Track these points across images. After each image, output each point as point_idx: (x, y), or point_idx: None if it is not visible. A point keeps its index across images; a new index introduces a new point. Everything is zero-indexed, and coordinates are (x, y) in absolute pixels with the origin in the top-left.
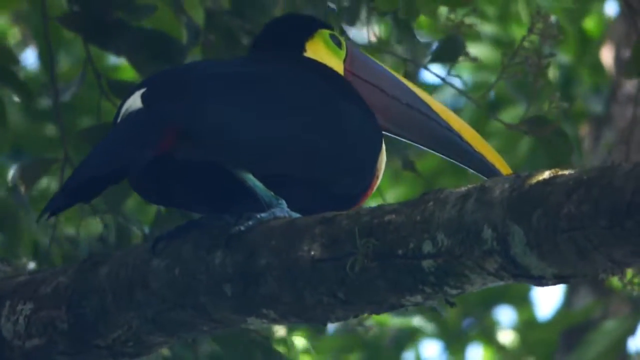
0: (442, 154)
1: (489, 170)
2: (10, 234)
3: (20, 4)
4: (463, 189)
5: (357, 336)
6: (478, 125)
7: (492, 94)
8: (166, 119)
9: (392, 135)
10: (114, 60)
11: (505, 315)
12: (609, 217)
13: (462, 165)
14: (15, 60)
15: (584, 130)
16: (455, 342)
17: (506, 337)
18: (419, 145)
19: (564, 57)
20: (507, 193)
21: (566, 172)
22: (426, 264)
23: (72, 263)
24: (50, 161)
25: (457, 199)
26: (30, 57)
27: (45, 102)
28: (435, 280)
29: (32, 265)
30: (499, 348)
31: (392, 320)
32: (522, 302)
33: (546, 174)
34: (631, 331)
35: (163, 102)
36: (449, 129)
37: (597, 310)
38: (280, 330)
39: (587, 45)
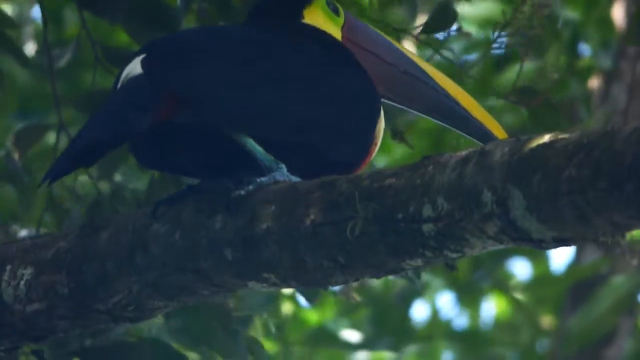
0: (440, 121)
1: (486, 136)
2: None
3: None
4: (463, 152)
5: (363, 292)
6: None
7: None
8: (166, 85)
9: (390, 102)
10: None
11: (519, 267)
12: (609, 180)
13: (459, 131)
14: (12, 25)
15: (593, 85)
16: (467, 295)
17: (518, 290)
18: (417, 112)
19: (573, 12)
20: (507, 156)
21: (566, 135)
22: (426, 227)
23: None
24: (44, 127)
25: (457, 163)
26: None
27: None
28: (435, 244)
29: (24, 232)
30: (512, 301)
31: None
32: (537, 255)
33: (546, 138)
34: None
35: (163, 68)
36: (447, 95)
37: (605, 266)
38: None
39: (595, 1)
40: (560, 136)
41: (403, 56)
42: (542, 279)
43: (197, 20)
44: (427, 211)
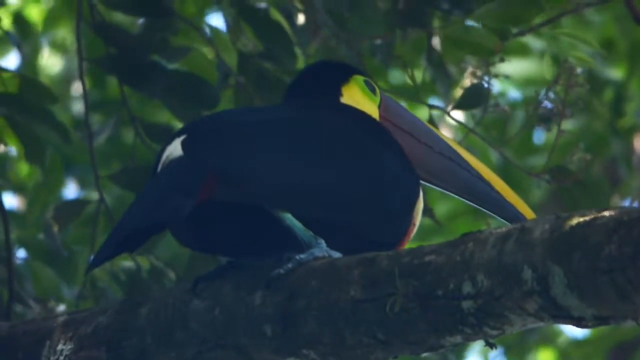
0: (473, 202)
1: (517, 218)
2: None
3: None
4: (503, 229)
5: None
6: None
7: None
8: (207, 166)
9: (424, 183)
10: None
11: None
12: None
13: (491, 213)
14: (54, 99)
15: (637, 144)
16: (515, 350)
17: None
18: (451, 194)
19: (616, 71)
20: (547, 234)
21: (606, 212)
22: (466, 304)
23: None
24: (84, 202)
25: (497, 240)
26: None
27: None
28: (475, 321)
29: (61, 307)
30: (559, 356)
31: None
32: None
33: (586, 215)
34: None
35: (203, 149)
36: (479, 177)
37: None
38: None
39: (639, 58)
40: (601, 213)
41: (437, 137)
42: (576, 342)
43: (235, 95)
44: (467, 288)
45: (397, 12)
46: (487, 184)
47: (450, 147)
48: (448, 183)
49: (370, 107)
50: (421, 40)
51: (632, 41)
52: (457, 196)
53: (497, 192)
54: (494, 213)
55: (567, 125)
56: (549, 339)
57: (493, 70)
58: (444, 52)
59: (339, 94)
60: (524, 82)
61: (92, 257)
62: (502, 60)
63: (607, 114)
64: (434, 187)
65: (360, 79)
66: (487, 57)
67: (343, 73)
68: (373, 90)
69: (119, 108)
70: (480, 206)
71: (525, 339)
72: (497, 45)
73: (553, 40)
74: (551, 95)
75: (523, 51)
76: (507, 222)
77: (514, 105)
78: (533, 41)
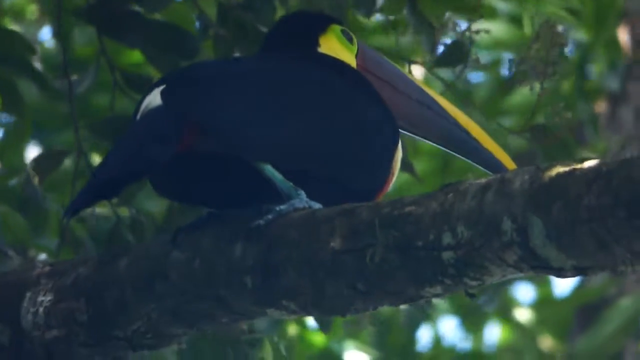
0: (451, 150)
1: (496, 166)
2: (34, 218)
3: None
4: (483, 180)
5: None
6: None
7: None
8: (186, 116)
9: (403, 132)
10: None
11: (522, 292)
12: (628, 208)
13: (469, 160)
14: (31, 50)
15: (601, 107)
16: (471, 319)
17: (522, 314)
18: (429, 141)
19: (580, 34)
20: (527, 185)
21: (586, 163)
22: (446, 255)
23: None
24: (63, 153)
25: (477, 191)
26: (47, 34)
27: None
28: (455, 272)
29: (42, 257)
30: (515, 325)
31: None
32: (540, 279)
33: (566, 166)
34: None
35: (183, 99)
36: (457, 125)
37: (612, 288)
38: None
39: (604, 22)
40: (580, 165)
41: (415, 86)
42: (546, 302)
43: (214, 47)
44: (447, 239)
45: None
46: (466, 132)
47: (428, 96)
48: (427, 131)
49: (348, 56)
50: None
51: (597, 3)
52: (436, 144)
53: (476, 140)
54: (472, 161)
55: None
56: (505, 309)
57: (473, 26)
58: (423, 8)
59: (316, 43)
60: (493, 45)
61: (68, 205)
62: (481, 16)
63: (574, 75)
64: (413, 135)
65: (337, 28)
66: (467, 13)
67: (320, 23)
68: (350, 40)
69: (97, 59)
70: (459, 154)
71: (482, 310)
72: (477, 2)
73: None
74: (532, 53)
75: (491, 14)
76: (487, 171)
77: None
78: (500, 4)
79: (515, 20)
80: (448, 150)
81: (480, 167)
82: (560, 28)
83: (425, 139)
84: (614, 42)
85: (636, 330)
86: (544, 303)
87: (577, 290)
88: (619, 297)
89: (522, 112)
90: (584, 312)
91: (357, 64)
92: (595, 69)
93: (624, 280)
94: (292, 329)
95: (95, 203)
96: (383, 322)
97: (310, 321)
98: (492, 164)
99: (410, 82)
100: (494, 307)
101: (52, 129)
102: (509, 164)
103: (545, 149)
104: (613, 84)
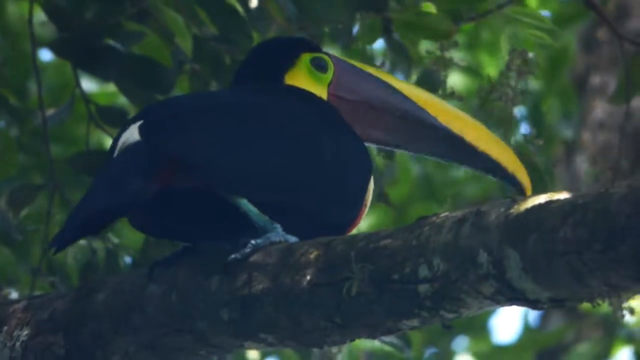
0: (442, 159)
1: (494, 169)
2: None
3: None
4: (459, 213)
5: None
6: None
7: None
8: (164, 152)
9: (391, 148)
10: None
11: (463, 343)
12: (604, 241)
13: (466, 167)
14: (7, 83)
15: (556, 154)
16: None
17: None
18: (420, 154)
19: (534, 82)
20: (502, 217)
21: (561, 195)
22: (422, 288)
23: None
24: (38, 187)
25: (453, 224)
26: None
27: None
28: (432, 305)
29: (13, 294)
30: None
31: (364, 344)
32: (481, 331)
33: (542, 198)
34: (604, 355)
35: (160, 136)
36: (449, 133)
37: (570, 333)
38: None
39: (556, 71)
40: (556, 197)
41: (399, 98)
42: (499, 349)
43: (190, 81)
44: (423, 272)
45: None
46: (459, 137)
47: (414, 106)
48: (415, 145)
49: (316, 87)
50: (377, 24)
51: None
52: (426, 156)
53: (471, 145)
54: (471, 167)
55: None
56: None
57: (447, 55)
58: (400, 36)
59: (282, 78)
60: (472, 73)
61: (51, 240)
62: (455, 44)
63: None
64: (399, 149)
65: (307, 58)
66: (441, 40)
67: (289, 53)
68: (323, 67)
69: (72, 91)
70: (451, 162)
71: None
72: (451, 29)
73: (508, 20)
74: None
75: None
76: (488, 176)
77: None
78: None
79: (470, 70)
80: (442, 160)
81: (480, 172)
82: (530, 55)
83: (415, 152)
84: (566, 91)
85: None
86: (494, 352)
87: (531, 334)
88: (576, 343)
89: None
90: (541, 359)
91: (330, 92)
92: (549, 117)
93: (581, 325)
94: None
95: (80, 238)
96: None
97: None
98: (493, 167)
99: (394, 97)
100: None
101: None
102: (513, 164)
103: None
104: (566, 132)
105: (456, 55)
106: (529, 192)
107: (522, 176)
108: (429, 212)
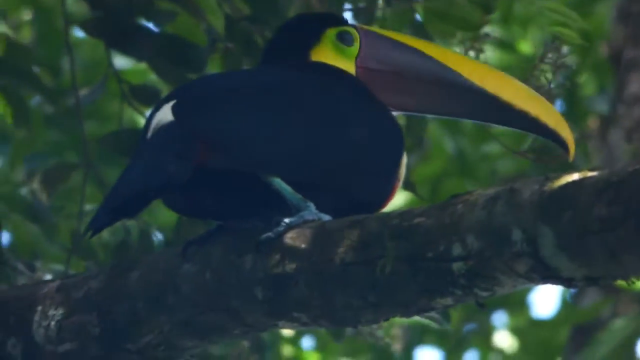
0: (480, 122)
1: (536, 126)
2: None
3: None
4: (492, 190)
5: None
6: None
7: None
8: (198, 133)
9: (425, 115)
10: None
11: (502, 319)
12: (639, 218)
13: (505, 127)
14: (40, 62)
15: (591, 128)
16: (453, 348)
17: (504, 340)
18: (456, 118)
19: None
20: (536, 195)
21: (595, 173)
22: (456, 266)
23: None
24: (72, 166)
25: (486, 201)
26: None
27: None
28: (466, 282)
29: (47, 276)
30: (497, 352)
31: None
32: (519, 306)
33: (575, 176)
34: None
35: (194, 115)
36: (484, 93)
37: (606, 309)
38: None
39: (590, 45)
40: (589, 174)
41: (431, 64)
42: (533, 325)
43: (223, 60)
44: (457, 250)
45: None
46: (494, 97)
47: (446, 70)
48: (449, 109)
49: (344, 61)
50: (405, 12)
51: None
52: (462, 119)
53: (508, 104)
54: (510, 127)
55: None
56: (486, 336)
57: (478, 45)
58: (427, 25)
59: (309, 55)
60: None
61: (88, 224)
62: (487, 36)
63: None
64: (432, 115)
65: (332, 33)
66: (472, 31)
67: (316, 29)
68: (350, 40)
69: (105, 70)
70: (490, 123)
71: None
72: (483, 18)
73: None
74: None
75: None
76: (526, 133)
77: None
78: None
79: (504, 45)
80: (480, 122)
81: (518, 130)
82: (564, 50)
83: (451, 116)
84: (601, 65)
85: (631, 353)
86: (530, 326)
87: (566, 310)
88: (612, 319)
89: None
90: (578, 334)
91: (358, 67)
92: (584, 92)
93: (618, 301)
94: (287, 350)
95: (117, 221)
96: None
97: (306, 342)
98: (532, 126)
99: (425, 63)
100: (475, 335)
101: (63, 147)
102: (555, 121)
103: (548, 170)
104: (601, 106)
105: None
106: (572, 149)
107: (565, 133)
108: (463, 188)
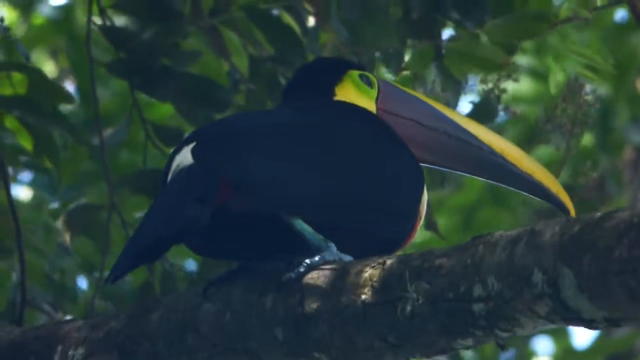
0: (488, 179)
1: (538, 190)
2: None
3: (58, 38)
4: (513, 232)
5: None
6: None
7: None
8: (219, 174)
9: (435, 167)
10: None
11: (541, 345)
12: None
13: (510, 187)
14: (70, 99)
15: (624, 160)
16: None
17: None
18: (463, 173)
19: (602, 88)
20: (557, 237)
21: (617, 214)
22: (477, 307)
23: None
24: (96, 207)
25: (507, 243)
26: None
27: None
28: (486, 324)
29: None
30: None
31: None
32: (560, 332)
33: (596, 217)
34: None
35: (214, 157)
36: (493, 152)
37: (638, 339)
38: None
39: (624, 75)
40: (611, 216)
41: (443, 118)
42: (568, 355)
43: (246, 100)
44: (478, 291)
45: (410, 22)
46: (502, 158)
47: (458, 125)
48: (458, 163)
49: (365, 101)
50: (429, 51)
51: (618, 57)
52: (471, 175)
53: (514, 166)
54: (514, 187)
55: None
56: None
57: (501, 85)
58: (450, 66)
59: (333, 92)
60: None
61: (110, 272)
62: (509, 76)
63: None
64: (445, 169)
65: (355, 74)
66: (495, 71)
67: (337, 70)
68: (369, 83)
69: (129, 111)
70: (496, 182)
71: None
72: (505, 60)
73: (557, 56)
74: (559, 112)
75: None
76: (531, 196)
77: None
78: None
79: (537, 74)
80: (486, 180)
81: (522, 192)
82: (587, 88)
83: (459, 171)
84: (635, 96)
85: None
86: (566, 355)
87: (601, 341)
88: None
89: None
90: None
91: (378, 108)
92: (618, 122)
93: None
94: None
95: (139, 266)
96: None
97: None
98: (535, 188)
99: (438, 115)
100: None
101: (87, 186)
102: (554, 185)
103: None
104: (636, 137)
105: (522, 60)
106: (572, 212)
107: (565, 198)
108: (496, 218)
